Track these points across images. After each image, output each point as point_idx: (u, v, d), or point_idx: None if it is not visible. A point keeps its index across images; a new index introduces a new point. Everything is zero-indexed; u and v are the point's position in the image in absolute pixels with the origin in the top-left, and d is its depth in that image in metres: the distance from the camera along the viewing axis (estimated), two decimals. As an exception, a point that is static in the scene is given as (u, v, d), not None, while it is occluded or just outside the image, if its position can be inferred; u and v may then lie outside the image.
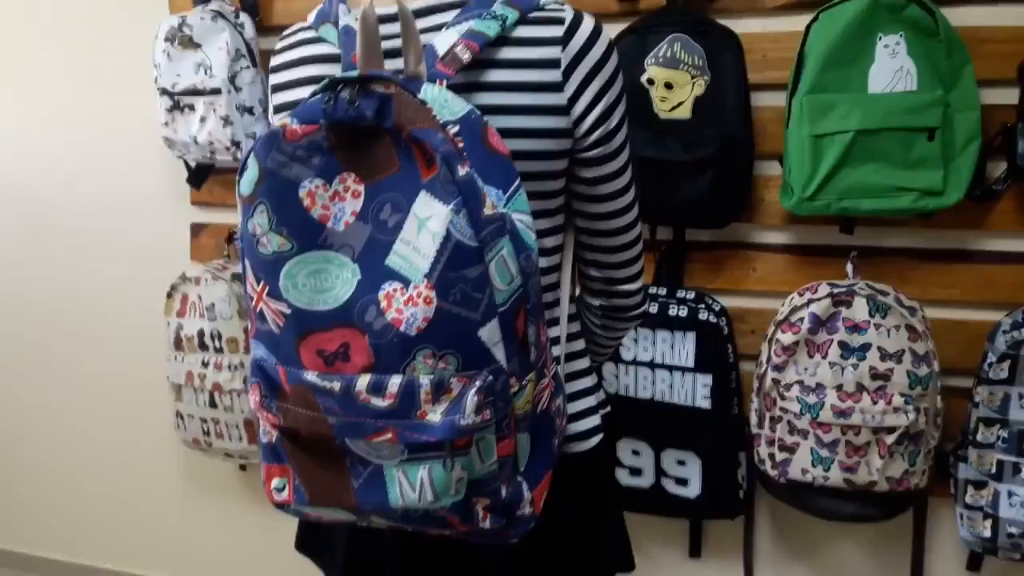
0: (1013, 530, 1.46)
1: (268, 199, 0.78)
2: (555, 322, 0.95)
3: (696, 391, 1.64)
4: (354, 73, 0.77)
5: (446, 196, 0.74)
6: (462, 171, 0.74)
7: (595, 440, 0.98)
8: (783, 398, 1.54)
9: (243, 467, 2.10)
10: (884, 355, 1.48)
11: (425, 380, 0.76)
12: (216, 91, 1.76)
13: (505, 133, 0.83)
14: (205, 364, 1.89)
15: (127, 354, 2.19)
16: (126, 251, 2.14)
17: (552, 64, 0.85)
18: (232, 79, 1.76)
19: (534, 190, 0.88)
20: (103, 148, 2.12)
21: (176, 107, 1.81)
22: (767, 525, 1.78)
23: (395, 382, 0.76)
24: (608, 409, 1.03)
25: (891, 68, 1.43)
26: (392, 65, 0.86)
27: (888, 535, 1.70)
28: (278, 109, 0.94)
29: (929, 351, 1.48)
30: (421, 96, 0.77)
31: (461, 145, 0.77)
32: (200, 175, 1.96)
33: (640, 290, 1.01)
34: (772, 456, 1.58)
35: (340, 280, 0.78)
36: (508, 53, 0.85)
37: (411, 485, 0.78)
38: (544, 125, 0.86)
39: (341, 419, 0.78)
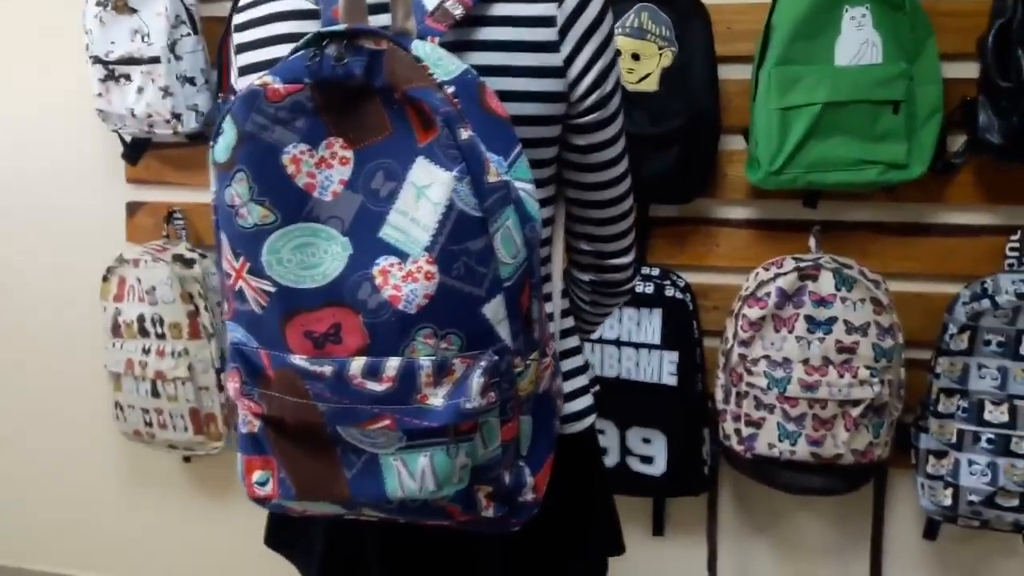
0: (973, 498, 1.49)
1: (248, 165, 0.71)
2: (548, 298, 0.91)
3: (663, 368, 1.63)
4: (341, 27, 0.71)
5: (448, 162, 0.69)
6: (464, 134, 0.69)
7: (589, 420, 0.94)
8: (750, 373, 1.53)
9: (187, 458, 2.00)
10: (850, 328, 1.48)
11: (426, 361, 0.71)
12: (155, 60, 1.65)
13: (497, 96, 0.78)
14: (146, 351, 1.79)
15: (58, 341, 2.06)
16: (56, 232, 2.01)
17: (547, 22, 0.80)
18: (172, 47, 1.66)
19: (527, 158, 0.83)
20: (29, 121, 1.98)
21: (111, 77, 1.70)
22: (729, 500, 1.78)
23: (393, 364, 0.71)
24: (597, 388, 0.99)
25: (857, 40, 1.43)
26: (376, 21, 0.80)
27: (848, 506, 1.72)
28: (245, 71, 0.87)
29: (893, 323, 1.49)
30: (414, 53, 0.71)
31: (459, 107, 0.71)
32: (136, 150, 1.85)
33: (631, 264, 0.97)
34: (738, 431, 1.57)
35: (328, 255, 0.72)
36: (500, 9, 0.79)
37: (410, 474, 0.73)
38: (538, 88, 0.81)
39: (333, 406, 0.72)
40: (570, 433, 0.92)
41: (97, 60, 1.69)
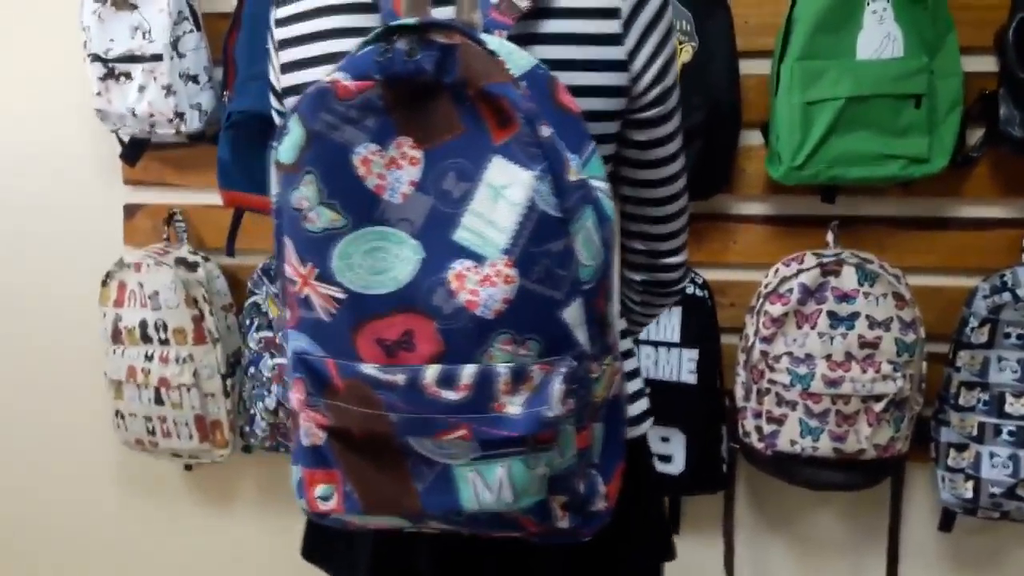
0: (995, 490, 1.49)
1: (317, 167, 0.68)
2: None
3: (682, 366, 1.61)
4: (413, 20, 0.68)
5: (528, 160, 0.66)
6: (545, 131, 0.66)
7: (646, 425, 0.93)
8: (772, 370, 1.52)
9: (188, 467, 1.95)
10: (873, 323, 1.48)
11: (503, 368, 0.68)
12: (157, 57, 1.60)
13: None
14: (149, 357, 1.74)
15: (53, 349, 2.00)
16: (51, 235, 1.95)
17: (612, 13, 0.78)
18: (174, 44, 1.61)
19: None
20: (24, 121, 1.91)
21: (110, 75, 1.64)
22: (745, 498, 1.77)
23: (469, 372, 0.68)
24: (649, 390, 0.97)
25: (879, 34, 1.42)
26: (437, 15, 0.77)
27: (864, 501, 1.72)
28: (292, 67, 0.83)
29: (916, 318, 1.49)
30: (489, 47, 0.68)
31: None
32: (135, 150, 1.79)
33: (683, 264, 0.95)
34: (759, 428, 1.56)
35: (399, 259, 0.69)
36: (565, 1, 0.77)
37: (486, 486, 0.71)
38: (601, 82, 0.78)
39: (405, 416, 0.70)
40: (631, 438, 0.90)
41: (96, 58, 1.64)
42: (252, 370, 1.73)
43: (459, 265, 0.68)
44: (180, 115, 1.64)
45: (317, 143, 0.68)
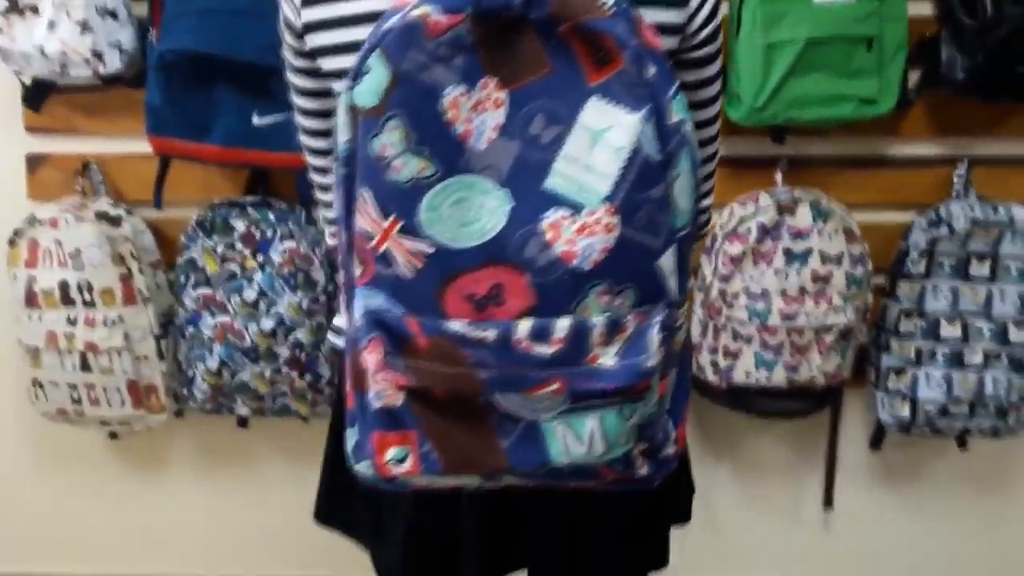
0: (930, 408, 1.61)
1: (404, 111, 0.63)
2: None
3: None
4: None
5: (634, 101, 0.63)
6: (651, 71, 0.64)
7: (684, 370, 0.93)
8: (730, 307, 1.57)
9: (114, 435, 1.82)
10: (825, 259, 1.54)
11: (598, 320, 0.66)
12: (70, -12, 1.43)
13: None
14: (72, 321, 1.59)
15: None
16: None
17: None
18: (90, -27, 1.44)
19: None
20: None
21: (13, 9, 1.46)
22: (691, 429, 1.83)
23: (563, 325, 0.66)
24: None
25: (834, -24, 1.45)
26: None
27: (801, 425, 1.82)
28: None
29: (864, 252, 1.57)
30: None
31: None
32: (39, 94, 1.61)
33: (709, 208, 0.95)
34: (715, 363, 1.61)
35: (485, 209, 0.65)
36: None
37: (577, 438, 0.69)
38: (663, 19, 0.76)
39: (495, 372, 0.67)
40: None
41: (-6, -12, 1.45)
42: (191, 330, 1.62)
43: (553, 214, 0.65)
44: (98, 55, 1.48)
45: (404, 85, 0.62)
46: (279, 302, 1.59)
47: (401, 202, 0.64)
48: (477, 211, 0.65)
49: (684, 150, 0.66)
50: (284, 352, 1.60)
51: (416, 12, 0.62)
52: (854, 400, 1.80)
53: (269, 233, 1.59)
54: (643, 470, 0.74)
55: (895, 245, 1.64)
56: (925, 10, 1.56)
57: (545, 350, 0.67)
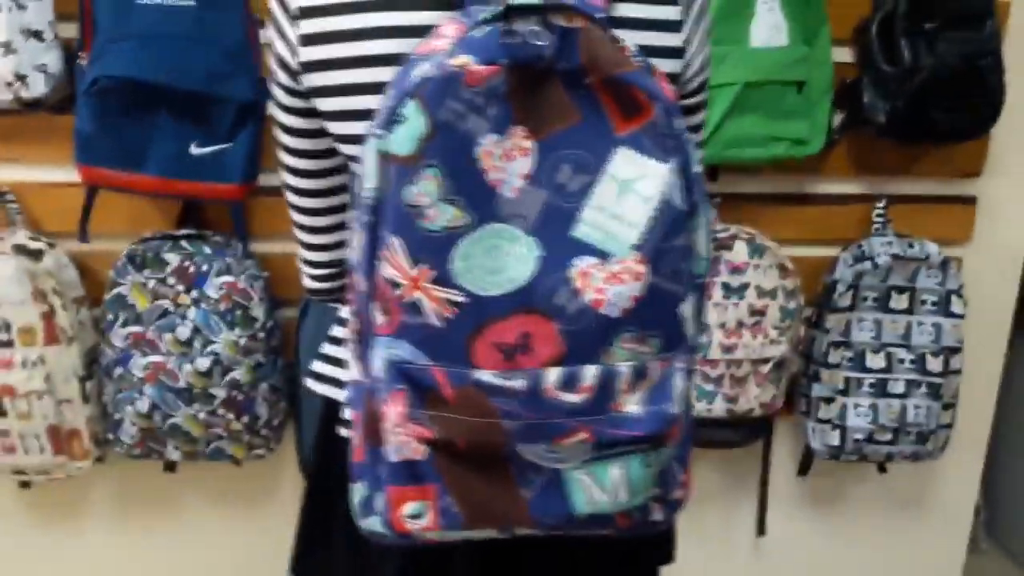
0: (858, 435, 1.69)
1: (441, 160, 0.62)
2: None
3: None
4: (536, 0, 0.63)
5: (662, 153, 0.65)
6: (679, 123, 0.65)
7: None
8: (672, 340, 1.60)
9: (26, 484, 1.69)
10: (761, 293, 1.60)
11: (625, 367, 0.67)
12: (-7, 9, 1.34)
13: None
14: (-15, 363, 1.48)
15: None
16: None
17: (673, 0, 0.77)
18: (15, -6, 1.36)
19: None
20: None
21: (-72, 28, 1.35)
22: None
23: (591, 373, 0.66)
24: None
25: (768, 23, 1.52)
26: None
27: (733, 454, 1.87)
28: (322, 39, 0.74)
29: (796, 287, 1.64)
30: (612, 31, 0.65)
31: None
32: (-51, 119, 1.50)
33: None
34: (657, 396, 1.64)
35: (513, 257, 0.65)
36: None
37: (601, 487, 0.69)
38: (664, 69, 0.78)
39: (523, 422, 0.66)
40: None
41: (-94, 5, 1.34)
42: (119, 370, 1.52)
43: (581, 262, 0.65)
44: (21, 78, 1.40)
45: (443, 134, 0.61)
46: (215, 340, 1.52)
47: (433, 251, 0.63)
48: (504, 259, 0.65)
49: (704, 200, 0.68)
50: (220, 393, 1.53)
51: (455, 61, 0.61)
52: (781, 428, 1.86)
53: (204, 267, 1.53)
54: (657, 515, 0.74)
55: (820, 278, 1.72)
56: (845, 56, 1.65)
57: (573, 398, 0.66)
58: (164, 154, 1.42)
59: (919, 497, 1.96)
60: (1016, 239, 1.82)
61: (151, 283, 1.52)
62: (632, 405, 0.68)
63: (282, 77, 0.80)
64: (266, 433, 1.60)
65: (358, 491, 0.73)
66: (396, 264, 0.64)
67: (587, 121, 0.65)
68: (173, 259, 1.52)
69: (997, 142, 1.73)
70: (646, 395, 0.68)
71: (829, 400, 1.71)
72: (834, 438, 1.71)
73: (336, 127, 0.79)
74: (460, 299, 0.64)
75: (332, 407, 0.94)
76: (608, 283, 0.65)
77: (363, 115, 0.76)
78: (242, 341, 1.53)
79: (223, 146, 1.44)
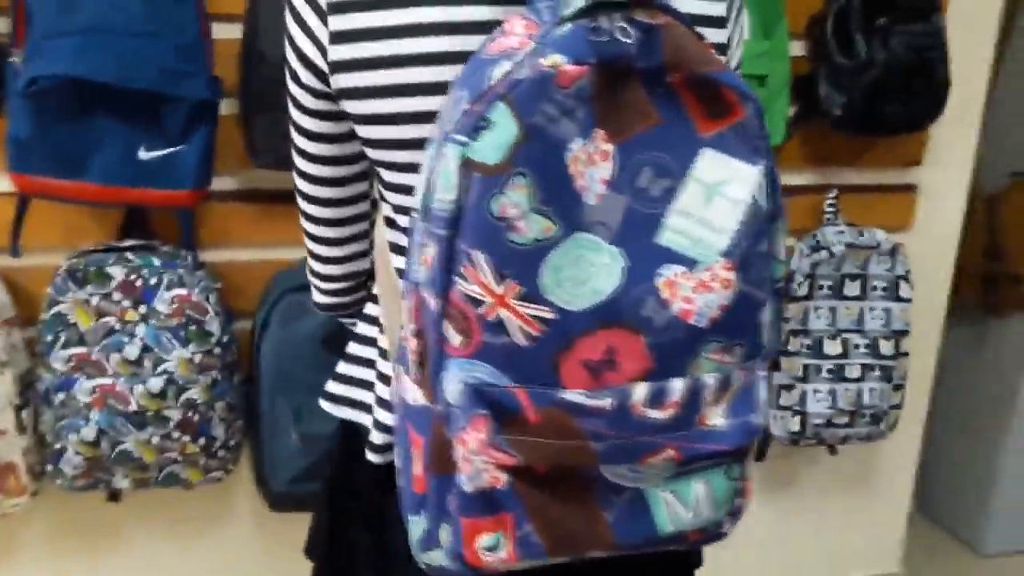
0: (818, 421, 1.73)
1: (531, 168, 0.57)
2: None
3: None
4: None
5: (752, 155, 0.62)
6: (765, 123, 0.62)
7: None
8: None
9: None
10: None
11: (711, 379, 0.64)
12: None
13: None
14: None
15: None
16: None
17: None
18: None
19: None
20: None
21: None
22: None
23: (678, 387, 0.63)
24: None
25: (729, 18, 1.53)
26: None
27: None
28: (356, 36, 0.68)
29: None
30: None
31: None
32: None
33: None
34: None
35: (596, 268, 0.61)
36: None
37: (684, 504, 0.66)
38: None
39: (610, 443, 0.63)
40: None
41: None
42: (61, 396, 1.40)
43: (668, 271, 0.62)
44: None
45: (535, 140, 0.57)
46: (167, 358, 1.42)
47: (522, 265, 0.58)
48: (589, 270, 0.61)
49: (781, 203, 0.66)
50: (175, 414, 1.43)
51: (547, 61, 0.56)
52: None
53: (153, 281, 1.41)
54: (727, 527, 0.72)
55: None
56: (797, 50, 1.68)
57: (660, 415, 0.63)
58: (109, 159, 1.31)
59: (865, 475, 2.03)
60: (952, 224, 1.90)
61: (95, 299, 1.40)
62: (717, 418, 0.65)
63: (306, 77, 0.74)
64: (223, 455, 1.51)
65: (417, 524, 0.68)
66: (479, 281, 0.59)
67: (667, 122, 0.62)
68: (118, 273, 1.40)
69: (935, 132, 1.80)
70: (730, 407, 0.66)
71: (789, 387, 1.74)
72: (795, 424, 1.74)
73: (369, 131, 0.73)
74: (549, 316, 0.60)
75: (351, 429, 0.88)
76: (696, 292, 0.62)
77: (402, 119, 0.71)
78: (197, 358, 1.43)
79: (175, 149, 1.34)
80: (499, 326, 0.60)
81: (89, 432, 1.40)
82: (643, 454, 0.63)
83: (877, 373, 1.74)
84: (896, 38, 1.55)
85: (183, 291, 1.42)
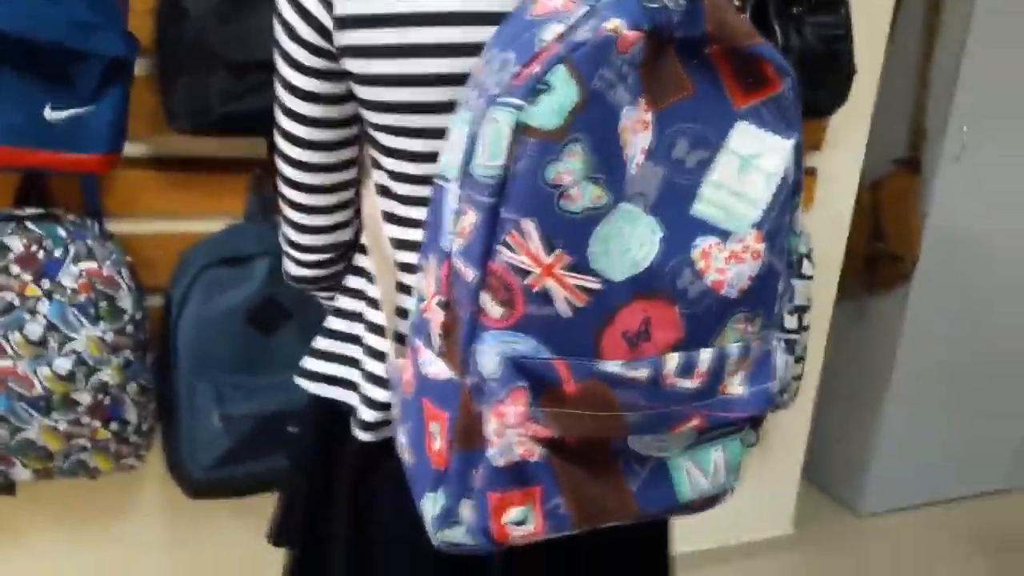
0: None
1: (587, 134, 0.56)
2: None
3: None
4: None
5: (786, 127, 0.63)
6: (798, 99, 0.64)
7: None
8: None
9: None
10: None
11: (734, 349, 0.66)
12: None
13: None
14: None
15: None
16: None
17: None
18: None
19: None
20: None
21: None
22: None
23: (706, 357, 0.65)
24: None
25: None
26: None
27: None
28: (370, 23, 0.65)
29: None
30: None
31: None
32: None
33: None
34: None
35: (635, 238, 0.61)
36: None
37: (703, 472, 0.68)
38: None
39: (643, 413, 0.63)
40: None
41: None
42: (-48, 380, 1.26)
43: (703, 242, 0.63)
44: None
45: (594, 105, 0.55)
46: (75, 336, 1.31)
47: (571, 234, 0.57)
48: (628, 240, 0.60)
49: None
50: (85, 398, 1.32)
51: (609, 25, 0.55)
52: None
53: (58, 252, 1.30)
54: (730, 494, 0.74)
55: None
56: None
57: (688, 384, 0.64)
58: (12, 119, 1.18)
59: (761, 442, 2.14)
60: (846, 206, 2.02)
61: (-11, 273, 1.27)
62: (737, 386, 0.66)
63: (305, 32, 0.69)
64: (136, 440, 1.41)
65: (435, 501, 0.65)
66: (527, 250, 0.57)
67: (701, 93, 0.62)
68: (16, 244, 1.28)
69: (832, 118, 1.90)
70: (748, 375, 0.67)
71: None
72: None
73: (371, 92, 0.69)
74: (594, 286, 0.59)
75: (329, 407, 0.84)
76: (728, 263, 0.63)
77: (410, 80, 0.67)
78: (108, 337, 1.32)
79: (85, 109, 1.23)
80: (544, 297, 0.58)
81: (-11, 420, 1.27)
82: (673, 424, 0.64)
83: (782, 347, 1.82)
84: (809, 27, 1.63)
85: (92, 264, 1.31)
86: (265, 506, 1.65)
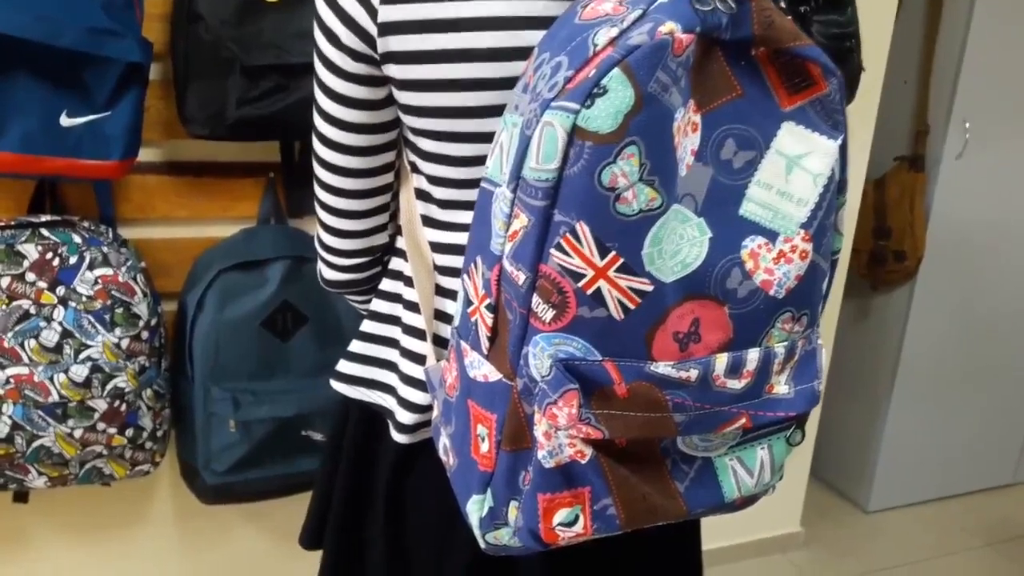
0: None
1: (643, 137, 0.56)
2: None
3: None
4: None
5: (831, 128, 0.64)
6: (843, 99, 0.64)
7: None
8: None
9: None
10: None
11: (780, 348, 0.66)
12: None
13: None
14: None
15: None
16: None
17: None
18: None
19: None
20: None
21: None
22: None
23: (753, 357, 0.65)
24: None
25: None
26: None
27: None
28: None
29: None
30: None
31: None
32: None
33: None
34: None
35: (685, 239, 0.61)
36: None
37: (748, 470, 0.68)
38: None
39: (692, 414, 0.63)
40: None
41: None
42: (-33, 389, 1.25)
43: (751, 242, 0.63)
44: None
45: (649, 108, 0.55)
46: (91, 343, 1.30)
47: (625, 237, 0.57)
48: (678, 241, 0.60)
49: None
50: (101, 405, 1.31)
51: (664, 29, 0.55)
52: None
53: (73, 259, 1.29)
54: (771, 492, 0.74)
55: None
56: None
57: (736, 384, 0.64)
58: (27, 126, 1.18)
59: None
60: (853, 204, 2.03)
61: (5, 280, 1.26)
62: (782, 386, 0.67)
63: (347, 39, 0.69)
64: (151, 446, 1.40)
65: (482, 503, 0.65)
66: (581, 253, 0.57)
67: (748, 94, 0.62)
68: (31, 251, 1.27)
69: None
70: (792, 374, 0.67)
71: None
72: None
73: (413, 98, 0.69)
74: (646, 288, 0.59)
75: (366, 410, 0.83)
76: (776, 263, 0.63)
77: (454, 85, 0.67)
78: (124, 343, 1.32)
79: (100, 115, 1.22)
80: (596, 299, 0.58)
81: (2, 427, 1.26)
82: (720, 424, 0.64)
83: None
84: (817, 26, 1.63)
85: (108, 271, 1.30)
86: (277, 512, 1.65)
